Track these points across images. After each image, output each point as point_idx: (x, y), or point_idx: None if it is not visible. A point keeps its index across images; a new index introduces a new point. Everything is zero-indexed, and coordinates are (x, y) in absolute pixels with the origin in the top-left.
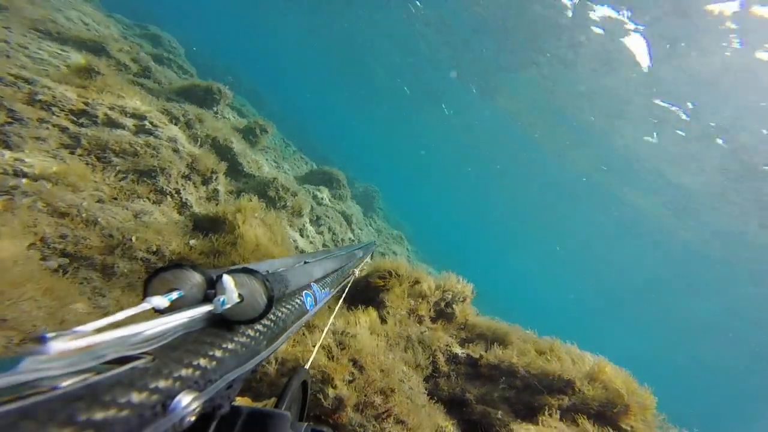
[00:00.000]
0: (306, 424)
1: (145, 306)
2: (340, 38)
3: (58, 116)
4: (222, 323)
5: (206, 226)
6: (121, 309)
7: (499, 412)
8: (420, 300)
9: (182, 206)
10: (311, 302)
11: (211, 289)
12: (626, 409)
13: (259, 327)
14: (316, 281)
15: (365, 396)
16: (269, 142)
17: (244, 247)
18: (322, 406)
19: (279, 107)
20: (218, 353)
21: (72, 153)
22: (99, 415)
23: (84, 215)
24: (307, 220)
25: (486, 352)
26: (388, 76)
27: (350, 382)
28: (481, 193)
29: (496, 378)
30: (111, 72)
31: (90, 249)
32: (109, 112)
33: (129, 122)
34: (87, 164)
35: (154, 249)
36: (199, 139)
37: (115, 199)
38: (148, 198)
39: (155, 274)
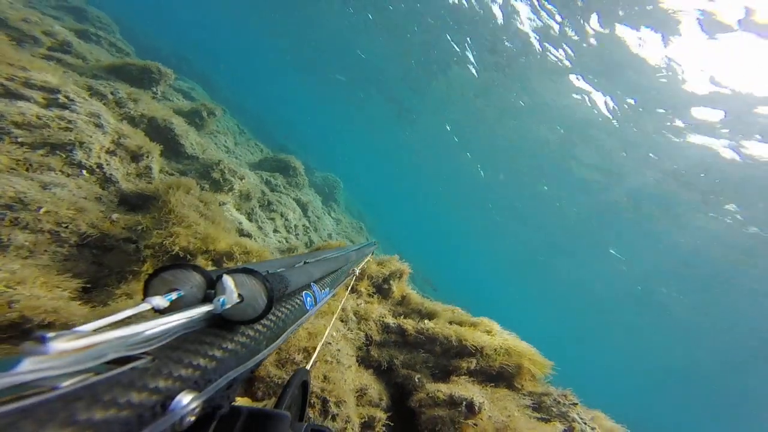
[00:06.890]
0: (306, 424)
1: (145, 306)
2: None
3: None
4: (222, 323)
5: (134, 202)
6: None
7: (418, 375)
8: (361, 277)
9: (106, 181)
10: (311, 302)
11: (211, 289)
12: (519, 371)
13: (259, 327)
14: (316, 281)
15: (287, 353)
16: (221, 127)
17: (175, 224)
18: None
19: (235, 95)
20: (218, 353)
21: None
22: (99, 415)
23: None
24: (257, 205)
25: (416, 323)
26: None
27: None
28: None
29: (420, 345)
30: (6, 42)
31: None
32: (7, 83)
33: (36, 95)
34: None
35: (65, 222)
36: (133, 118)
37: (14, 169)
38: (61, 171)
39: (155, 274)
